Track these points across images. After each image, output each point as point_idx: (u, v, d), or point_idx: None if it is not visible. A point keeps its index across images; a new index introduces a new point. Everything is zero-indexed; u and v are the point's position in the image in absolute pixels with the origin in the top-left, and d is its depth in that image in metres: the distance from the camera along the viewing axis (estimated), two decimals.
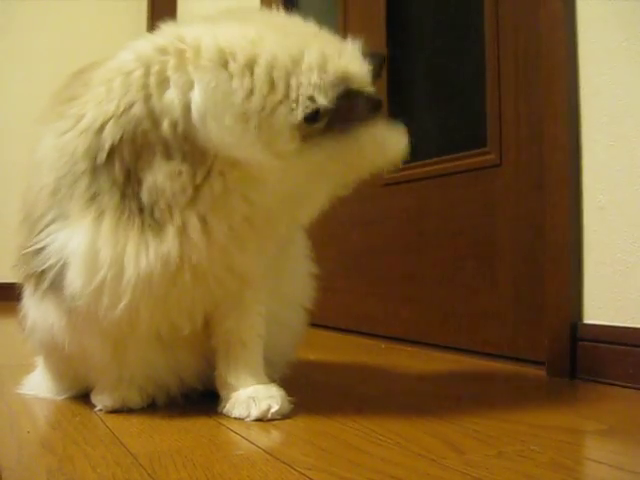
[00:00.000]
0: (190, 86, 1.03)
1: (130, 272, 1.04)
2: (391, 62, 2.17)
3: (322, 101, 1.05)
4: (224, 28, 1.11)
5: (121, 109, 1.05)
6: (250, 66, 1.06)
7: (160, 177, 1.03)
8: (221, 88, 1.04)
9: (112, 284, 1.04)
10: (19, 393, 1.32)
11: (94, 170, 1.06)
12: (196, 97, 1.02)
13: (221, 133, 1.02)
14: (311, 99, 1.05)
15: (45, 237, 1.10)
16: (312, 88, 1.05)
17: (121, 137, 1.05)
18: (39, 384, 1.31)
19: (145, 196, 1.04)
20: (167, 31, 1.14)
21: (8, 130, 3.82)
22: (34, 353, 1.33)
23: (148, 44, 1.11)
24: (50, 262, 1.09)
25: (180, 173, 1.03)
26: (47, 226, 1.10)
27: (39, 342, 1.23)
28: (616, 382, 1.39)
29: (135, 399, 1.17)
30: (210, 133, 1.02)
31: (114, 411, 1.16)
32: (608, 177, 1.45)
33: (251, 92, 1.05)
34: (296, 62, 1.06)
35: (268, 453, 0.94)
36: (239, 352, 1.16)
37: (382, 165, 1.17)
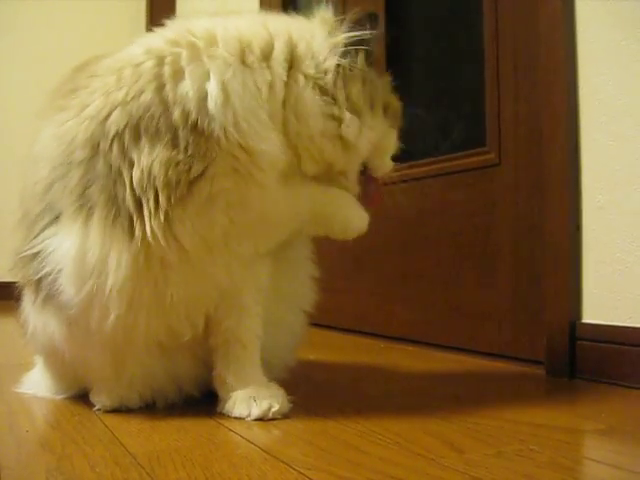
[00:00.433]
0: (206, 77, 1.04)
1: (112, 278, 1.03)
2: (389, 62, 2.17)
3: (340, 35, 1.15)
4: (233, 20, 1.15)
5: (130, 96, 1.05)
6: (266, 57, 1.10)
7: (157, 163, 1.02)
8: (238, 79, 1.05)
9: (101, 290, 1.04)
10: (18, 392, 1.32)
11: (92, 158, 1.05)
12: (212, 87, 1.03)
13: (238, 123, 1.03)
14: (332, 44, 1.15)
15: (40, 242, 1.10)
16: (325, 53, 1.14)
17: (126, 123, 1.04)
18: (38, 383, 1.31)
19: (136, 182, 1.02)
20: (174, 26, 1.15)
21: (7, 128, 3.82)
22: (33, 352, 1.33)
23: (157, 38, 1.12)
24: (46, 270, 1.09)
25: (178, 163, 1.02)
26: (42, 230, 1.10)
27: (40, 347, 1.24)
28: (615, 381, 1.39)
29: (134, 399, 1.17)
30: (227, 122, 1.02)
31: (113, 410, 1.16)
32: (607, 176, 1.45)
33: (272, 85, 1.09)
34: (309, 30, 1.16)
35: (267, 452, 0.94)
36: (238, 352, 1.16)
37: (338, 237, 1.25)
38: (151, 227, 1.02)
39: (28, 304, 1.20)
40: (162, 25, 1.16)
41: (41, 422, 1.18)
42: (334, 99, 1.13)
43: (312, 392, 1.34)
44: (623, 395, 1.34)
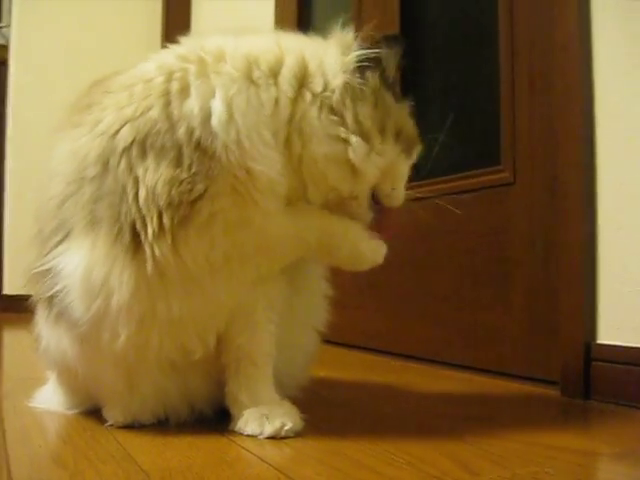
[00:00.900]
0: (211, 94, 1.04)
1: (116, 296, 1.04)
2: (404, 80, 2.17)
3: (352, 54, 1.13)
4: (248, 38, 1.15)
5: (139, 112, 1.05)
6: (274, 74, 1.09)
7: (161, 182, 1.01)
8: (243, 96, 1.05)
9: (108, 308, 1.05)
10: (31, 406, 1.32)
11: (102, 174, 1.05)
12: (217, 105, 1.03)
13: (240, 141, 1.03)
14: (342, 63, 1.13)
15: (52, 259, 1.10)
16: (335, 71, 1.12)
17: (134, 139, 1.04)
18: (51, 398, 1.31)
19: (141, 200, 1.02)
20: (187, 43, 1.16)
21: (24, 141, 3.84)
22: (46, 367, 1.33)
23: (169, 54, 1.13)
24: (57, 287, 1.09)
25: (181, 182, 1.01)
26: (55, 247, 1.11)
27: (53, 362, 1.24)
28: (631, 403, 1.38)
29: (146, 415, 1.17)
30: (229, 140, 1.02)
31: (125, 426, 1.15)
32: (624, 196, 1.44)
33: (277, 101, 1.08)
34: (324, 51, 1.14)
35: (280, 471, 0.94)
36: (251, 370, 1.15)
37: (347, 268, 1.22)
38: (154, 245, 1.02)
39: (41, 319, 1.20)
40: (176, 42, 1.17)
41: (54, 437, 1.17)
42: (342, 120, 1.10)
43: (325, 410, 1.34)
44: (639, 417, 1.33)
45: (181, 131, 1.03)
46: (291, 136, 1.09)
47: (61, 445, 1.11)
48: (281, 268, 1.17)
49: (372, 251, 1.21)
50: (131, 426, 1.15)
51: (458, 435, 1.15)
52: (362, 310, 2.32)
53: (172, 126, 1.03)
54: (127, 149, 1.04)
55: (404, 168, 1.23)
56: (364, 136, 1.11)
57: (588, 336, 1.48)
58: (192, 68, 1.07)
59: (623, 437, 1.18)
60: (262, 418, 1.11)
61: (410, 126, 1.23)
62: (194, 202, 1.02)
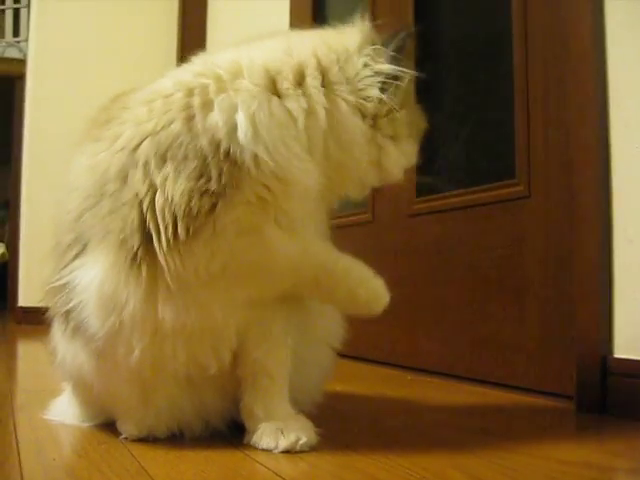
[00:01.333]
0: (235, 109, 1.04)
1: (128, 308, 1.04)
2: (418, 92, 2.18)
3: (382, 64, 1.14)
4: (257, 49, 1.14)
5: (160, 126, 1.05)
6: (300, 82, 1.10)
7: (179, 192, 1.01)
8: (265, 111, 1.05)
9: (122, 322, 1.05)
10: (45, 419, 1.32)
11: (121, 189, 1.05)
12: (241, 120, 1.03)
13: (270, 152, 1.03)
14: (372, 72, 1.13)
15: (69, 273, 1.10)
16: (367, 64, 1.14)
17: (155, 152, 1.04)
18: (65, 410, 1.31)
19: (158, 209, 1.02)
20: (200, 60, 1.16)
21: (41, 153, 3.87)
22: (61, 379, 1.33)
23: (185, 71, 1.13)
24: (74, 303, 1.09)
25: (204, 192, 1.01)
26: (72, 260, 1.11)
27: (69, 375, 1.24)
28: None
29: (161, 428, 1.16)
30: (258, 151, 1.02)
31: (140, 440, 1.16)
32: (638, 210, 1.43)
33: (311, 111, 1.08)
34: (343, 52, 1.14)
35: None
36: (267, 384, 1.15)
37: (341, 310, 1.23)
38: (166, 256, 1.02)
39: (57, 333, 1.21)
40: (188, 60, 1.18)
41: (68, 450, 1.18)
42: (375, 125, 1.13)
43: (339, 424, 1.33)
44: None
45: (205, 142, 1.02)
46: (328, 145, 1.11)
47: (75, 458, 1.11)
48: (273, 297, 1.14)
49: (370, 300, 1.20)
50: (145, 439, 1.15)
51: (472, 449, 1.15)
52: (376, 324, 2.31)
53: (195, 137, 1.03)
54: (147, 162, 1.04)
55: (415, 158, 1.25)
56: (396, 139, 1.15)
57: (604, 350, 1.47)
58: (211, 84, 1.07)
59: (639, 452, 1.17)
60: (277, 432, 1.11)
61: (423, 120, 1.27)
62: (211, 212, 1.02)
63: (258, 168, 1.03)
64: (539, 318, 1.69)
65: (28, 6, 4.29)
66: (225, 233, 1.03)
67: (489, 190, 1.90)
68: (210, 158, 1.02)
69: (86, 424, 1.27)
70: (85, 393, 1.24)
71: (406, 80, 1.16)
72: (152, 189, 1.03)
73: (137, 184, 1.04)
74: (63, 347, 1.19)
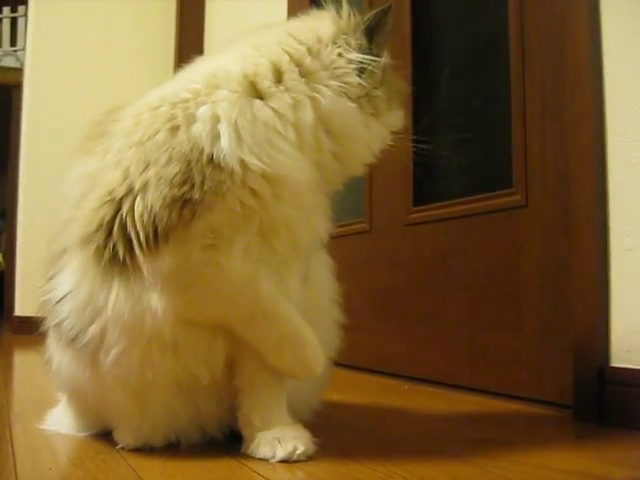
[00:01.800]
0: (217, 119, 1.05)
1: (107, 314, 1.06)
2: (416, 102, 2.18)
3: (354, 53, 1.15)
4: (228, 56, 1.16)
5: (146, 137, 1.07)
6: (278, 78, 1.11)
7: (160, 199, 1.02)
8: (247, 115, 1.06)
9: (103, 329, 1.07)
10: (41, 428, 1.31)
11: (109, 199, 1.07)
12: (224, 128, 1.04)
13: (256, 154, 1.04)
14: (347, 61, 1.15)
15: (57, 286, 1.13)
16: (341, 54, 1.15)
17: (138, 158, 1.05)
18: (61, 420, 1.30)
19: (137, 215, 1.03)
20: (179, 76, 1.19)
21: (38, 162, 3.87)
22: (57, 389, 1.33)
23: (168, 87, 1.15)
24: (63, 315, 1.11)
25: (186, 202, 1.02)
26: (58, 273, 1.14)
27: (64, 384, 1.25)
28: None
29: (157, 438, 1.16)
30: (243, 154, 1.03)
31: (136, 449, 1.15)
32: (635, 219, 1.43)
33: (297, 105, 1.10)
34: (315, 42, 1.16)
35: None
36: (264, 393, 1.15)
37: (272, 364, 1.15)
38: (141, 261, 1.04)
39: (52, 343, 1.22)
40: (180, 68, 1.21)
41: (64, 460, 1.17)
42: (359, 104, 1.15)
43: (336, 434, 1.33)
44: None
45: (188, 149, 1.03)
46: (318, 134, 1.12)
47: (72, 468, 1.10)
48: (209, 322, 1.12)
49: (299, 359, 1.14)
50: (142, 449, 1.15)
51: (469, 458, 1.14)
52: (375, 333, 2.32)
53: (180, 144, 1.04)
54: (128, 168, 1.06)
55: (401, 121, 1.26)
56: (377, 117, 1.18)
57: (601, 359, 1.47)
58: (192, 99, 1.08)
59: (637, 461, 1.17)
60: (274, 441, 1.10)
61: (402, 84, 1.27)
62: (190, 221, 1.03)
63: (245, 171, 1.04)
64: (537, 327, 1.69)
65: (25, 15, 4.30)
66: (193, 241, 1.04)
67: (486, 199, 1.90)
68: (193, 163, 1.03)
69: (82, 434, 1.26)
70: (80, 402, 1.24)
71: (380, 63, 1.18)
72: (132, 194, 1.04)
73: (119, 190, 1.06)
74: (58, 357, 1.20)
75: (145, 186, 1.03)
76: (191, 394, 1.14)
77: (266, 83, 1.10)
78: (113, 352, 1.08)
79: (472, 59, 2.14)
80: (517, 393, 1.73)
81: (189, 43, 3.91)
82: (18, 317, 3.77)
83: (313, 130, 1.11)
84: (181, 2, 4.11)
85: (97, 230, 1.06)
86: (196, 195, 1.02)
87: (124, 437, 1.16)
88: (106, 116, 1.20)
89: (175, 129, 1.06)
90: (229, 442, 1.18)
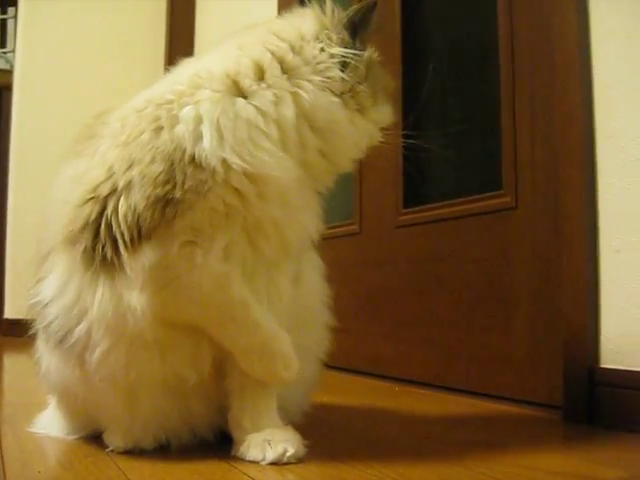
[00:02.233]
0: (199, 120, 1.06)
1: (91, 314, 1.07)
2: (406, 104, 2.18)
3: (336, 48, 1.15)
4: (211, 58, 1.17)
5: (131, 138, 1.08)
6: (260, 76, 1.12)
7: (144, 199, 1.03)
8: (229, 114, 1.06)
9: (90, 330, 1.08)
10: (31, 431, 1.31)
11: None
12: (206, 129, 1.05)
13: (237, 153, 1.04)
14: (329, 55, 1.15)
15: (45, 287, 1.14)
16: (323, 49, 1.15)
17: (123, 157, 1.06)
18: (51, 423, 1.30)
19: (121, 215, 1.04)
20: (163, 79, 1.19)
21: (27, 163, 3.86)
22: (47, 392, 1.32)
23: (153, 90, 1.16)
24: (51, 317, 1.12)
25: (169, 202, 1.03)
26: (46, 274, 1.14)
27: (53, 386, 1.25)
28: (635, 428, 1.37)
29: (148, 440, 1.16)
30: (225, 154, 1.03)
31: (126, 452, 1.15)
32: (624, 220, 1.44)
33: (279, 101, 1.10)
34: (298, 39, 1.16)
35: None
36: (254, 395, 1.14)
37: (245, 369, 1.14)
38: (126, 260, 1.05)
39: (41, 345, 1.22)
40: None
41: (54, 463, 1.17)
42: (343, 98, 1.15)
43: (327, 436, 1.33)
44: None
45: (171, 148, 1.04)
46: (303, 131, 1.12)
47: (61, 471, 1.10)
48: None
49: (284, 370, 1.14)
50: (132, 451, 1.15)
51: (460, 460, 1.14)
52: (365, 335, 2.32)
53: (163, 144, 1.05)
54: (112, 167, 1.07)
55: (390, 116, 1.25)
56: (363, 113, 1.17)
57: (591, 360, 1.48)
58: (176, 100, 1.09)
59: (626, 462, 1.17)
60: (264, 444, 1.10)
61: (389, 79, 1.27)
62: (172, 220, 1.03)
63: (227, 170, 1.04)
64: (526, 329, 1.70)
65: (15, 17, 4.28)
66: (174, 238, 1.04)
67: (476, 201, 1.90)
68: (176, 163, 1.03)
69: (72, 437, 1.26)
70: (70, 404, 1.24)
71: (364, 58, 1.18)
72: (116, 194, 1.05)
73: (96, 182, 1.07)
74: (47, 358, 1.20)
75: (129, 185, 1.04)
76: (181, 395, 1.14)
77: (248, 82, 1.10)
78: (98, 351, 1.08)
79: (462, 60, 2.14)
80: (507, 394, 1.73)
81: (180, 44, 3.90)
82: (8, 320, 3.76)
83: (296, 126, 1.11)
84: (171, 3, 4.10)
85: (82, 229, 1.07)
86: (177, 194, 1.02)
87: (114, 439, 1.16)
88: (95, 119, 1.21)
89: (159, 129, 1.06)
90: (219, 444, 1.18)
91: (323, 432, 1.35)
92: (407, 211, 2.18)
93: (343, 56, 1.15)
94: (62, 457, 1.19)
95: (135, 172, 1.04)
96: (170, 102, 1.09)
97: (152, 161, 1.04)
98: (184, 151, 1.04)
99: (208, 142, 1.04)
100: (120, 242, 1.04)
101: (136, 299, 1.05)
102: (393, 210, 2.23)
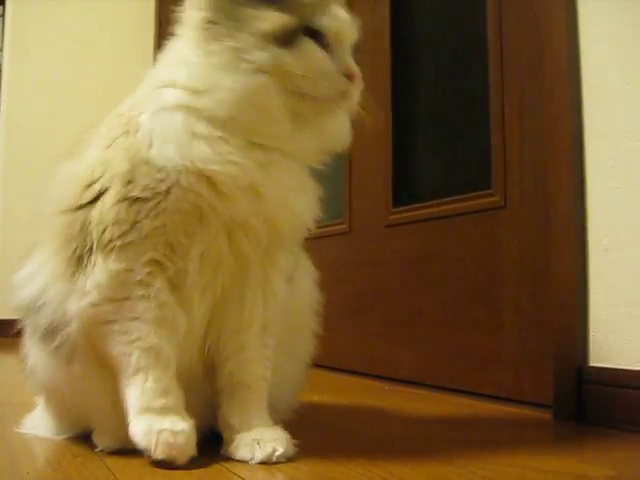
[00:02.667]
0: (151, 126, 1.08)
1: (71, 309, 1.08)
2: (396, 103, 2.19)
3: None
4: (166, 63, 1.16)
5: (109, 142, 1.11)
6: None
7: (110, 202, 1.06)
8: (176, 121, 1.07)
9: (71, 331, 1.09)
10: (19, 432, 1.30)
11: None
12: (156, 136, 1.06)
13: (187, 157, 1.05)
14: None
15: (34, 282, 1.15)
16: None
17: (100, 162, 1.09)
18: (39, 423, 1.29)
19: (95, 220, 1.07)
20: (146, 82, 1.18)
21: (16, 161, 3.84)
22: (35, 392, 1.32)
23: (137, 94, 1.17)
24: (40, 313, 1.13)
25: (132, 200, 1.05)
26: (34, 268, 1.16)
27: (40, 384, 1.24)
28: (623, 426, 1.38)
29: None
30: (175, 160, 1.04)
31: (115, 451, 1.14)
32: (612, 219, 1.45)
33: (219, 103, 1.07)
34: None
35: None
36: (243, 394, 1.14)
37: None
38: (94, 262, 1.07)
39: (29, 339, 1.22)
40: None
41: (42, 463, 1.16)
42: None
43: (316, 435, 1.33)
44: (633, 440, 1.32)
45: (133, 151, 1.07)
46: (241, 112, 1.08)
47: (49, 472, 1.09)
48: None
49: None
50: (121, 451, 1.14)
51: (450, 459, 1.14)
52: (355, 334, 2.32)
53: (129, 146, 1.08)
54: (93, 170, 1.10)
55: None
56: (245, 52, 1.07)
57: (579, 359, 1.48)
58: (141, 106, 1.11)
59: (615, 460, 1.18)
60: (253, 443, 1.10)
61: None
62: (143, 219, 1.05)
63: (178, 172, 1.04)
64: (516, 328, 1.70)
65: (3, 15, 4.26)
66: (142, 252, 1.06)
67: (465, 200, 1.91)
68: (136, 163, 1.06)
69: (60, 437, 1.25)
70: (58, 403, 1.23)
71: None
72: (93, 196, 1.08)
73: (83, 183, 1.10)
74: (34, 355, 1.20)
75: (103, 189, 1.08)
76: None
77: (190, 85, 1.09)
78: (82, 352, 1.09)
79: (451, 59, 2.14)
80: (497, 393, 1.73)
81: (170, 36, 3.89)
82: None
83: (234, 112, 1.07)
84: (159, 1, 4.09)
85: (73, 232, 1.09)
86: (137, 192, 1.05)
87: (102, 439, 1.16)
88: (91, 125, 1.22)
89: (127, 134, 1.09)
90: (209, 443, 1.17)
91: (313, 431, 1.35)
92: (397, 210, 2.18)
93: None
94: (51, 457, 1.18)
95: (108, 174, 1.08)
96: (136, 108, 1.12)
97: (119, 164, 1.07)
98: (142, 153, 1.06)
99: (158, 147, 1.05)
100: (95, 244, 1.07)
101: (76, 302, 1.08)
102: (383, 209, 2.23)
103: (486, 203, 1.81)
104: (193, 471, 1.05)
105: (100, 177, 1.08)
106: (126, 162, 1.07)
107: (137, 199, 1.05)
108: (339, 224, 2.45)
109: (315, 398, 1.71)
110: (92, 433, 1.19)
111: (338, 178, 2.44)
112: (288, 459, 1.10)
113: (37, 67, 3.96)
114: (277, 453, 1.09)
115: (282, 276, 1.18)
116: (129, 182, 1.06)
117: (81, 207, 1.09)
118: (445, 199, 1.99)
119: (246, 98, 1.06)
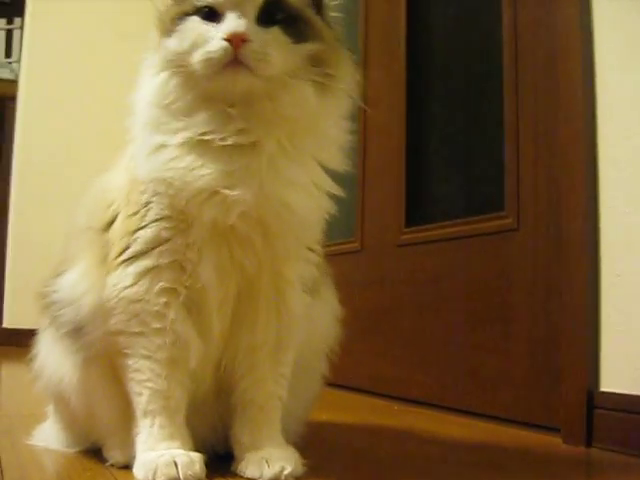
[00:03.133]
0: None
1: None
2: (410, 125, 2.19)
3: None
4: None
5: (124, 162, 1.18)
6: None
7: (122, 214, 1.12)
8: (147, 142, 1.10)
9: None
10: (30, 444, 1.30)
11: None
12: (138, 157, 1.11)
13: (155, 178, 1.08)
14: None
15: (58, 281, 1.18)
16: None
17: (114, 183, 1.17)
18: (50, 435, 1.30)
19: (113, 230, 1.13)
20: None
21: (30, 173, 3.85)
22: (46, 403, 1.32)
23: None
24: (63, 311, 1.15)
25: (131, 215, 1.10)
26: (64, 272, 1.17)
27: (45, 386, 1.25)
28: (634, 452, 1.37)
29: None
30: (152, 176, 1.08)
31: (126, 466, 1.14)
32: (625, 244, 1.44)
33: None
34: None
35: None
36: (255, 413, 1.14)
37: None
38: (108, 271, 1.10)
39: (44, 338, 1.24)
40: None
41: (52, 476, 1.16)
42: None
43: (326, 454, 1.33)
44: None
45: (129, 175, 1.13)
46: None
47: None
48: None
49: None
50: (131, 466, 1.14)
51: None
52: (365, 354, 2.31)
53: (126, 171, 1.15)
54: (120, 189, 1.15)
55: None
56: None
57: (591, 383, 1.48)
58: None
59: None
60: (262, 461, 1.09)
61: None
62: (135, 231, 1.09)
63: (154, 184, 1.08)
64: (526, 350, 1.70)
65: (21, 27, 4.30)
66: (153, 277, 1.09)
67: (478, 222, 1.91)
68: (131, 186, 1.12)
69: (71, 450, 1.26)
70: (68, 416, 1.24)
71: None
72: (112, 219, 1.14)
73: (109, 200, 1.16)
74: (45, 351, 1.23)
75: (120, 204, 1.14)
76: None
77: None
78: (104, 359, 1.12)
79: (466, 83, 2.15)
80: (506, 415, 1.73)
81: None
82: (6, 329, 3.76)
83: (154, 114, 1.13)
84: None
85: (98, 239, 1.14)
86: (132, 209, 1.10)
87: (113, 454, 1.16)
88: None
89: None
90: (220, 460, 1.17)
91: (322, 450, 1.35)
92: (409, 230, 2.18)
93: None
94: (61, 470, 1.18)
95: (119, 195, 1.14)
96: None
97: (124, 184, 1.14)
98: (132, 172, 1.11)
99: (140, 166, 1.09)
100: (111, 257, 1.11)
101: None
102: (395, 228, 2.23)
103: (499, 225, 1.81)
104: None
105: (114, 199, 1.14)
106: (127, 183, 1.12)
107: (131, 214, 1.10)
108: (351, 242, 2.45)
109: (324, 417, 1.71)
110: (103, 447, 1.19)
111: (351, 196, 2.45)
112: (296, 478, 1.10)
113: (53, 79, 3.99)
114: (285, 472, 1.08)
115: (296, 290, 1.15)
116: (129, 202, 1.11)
117: (105, 227, 1.14)
118: (458, 220, 1.99)
119: (152, 100, 1.15)
